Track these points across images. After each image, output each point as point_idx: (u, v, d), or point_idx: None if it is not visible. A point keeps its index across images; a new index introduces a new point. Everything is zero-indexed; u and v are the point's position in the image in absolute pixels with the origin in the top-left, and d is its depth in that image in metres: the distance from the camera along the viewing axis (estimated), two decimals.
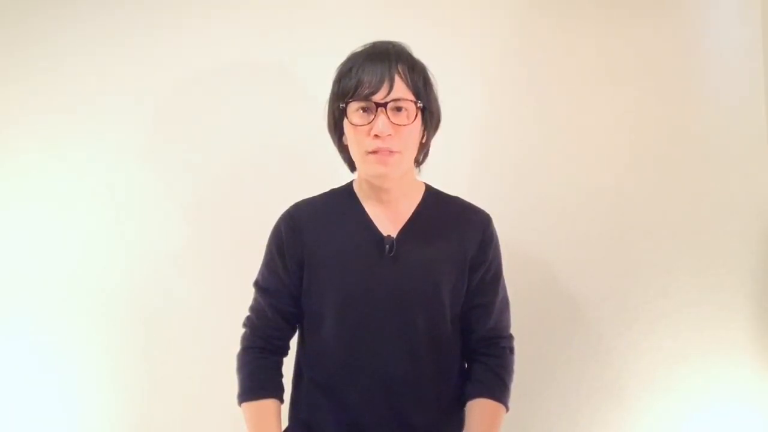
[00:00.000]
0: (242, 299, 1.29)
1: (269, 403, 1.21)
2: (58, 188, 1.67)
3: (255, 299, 1.28)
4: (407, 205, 1.25)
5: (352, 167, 1.28)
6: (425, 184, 1.32)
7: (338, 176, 1.33)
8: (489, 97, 1.75)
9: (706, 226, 1.77)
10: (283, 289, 1.24)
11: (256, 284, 1.27)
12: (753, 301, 1.76)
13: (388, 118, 1.13)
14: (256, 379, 1.23)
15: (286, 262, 1.23)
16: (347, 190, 1.29)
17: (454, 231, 1.25)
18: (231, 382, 1.27)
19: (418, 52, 1.26)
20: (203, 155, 1.70)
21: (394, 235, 1.21)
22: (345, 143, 1.23)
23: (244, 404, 1.21)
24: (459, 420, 1.24)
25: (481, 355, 1.27)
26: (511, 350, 1.31)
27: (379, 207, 1.24)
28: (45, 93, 1.67)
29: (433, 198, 1.29)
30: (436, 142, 1.30)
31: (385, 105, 1.13)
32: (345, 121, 1.18)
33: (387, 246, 1.20)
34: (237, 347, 1.28)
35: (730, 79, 1.80)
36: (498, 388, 1.25)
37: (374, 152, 1.15)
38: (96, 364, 1.66)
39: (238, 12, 1.71)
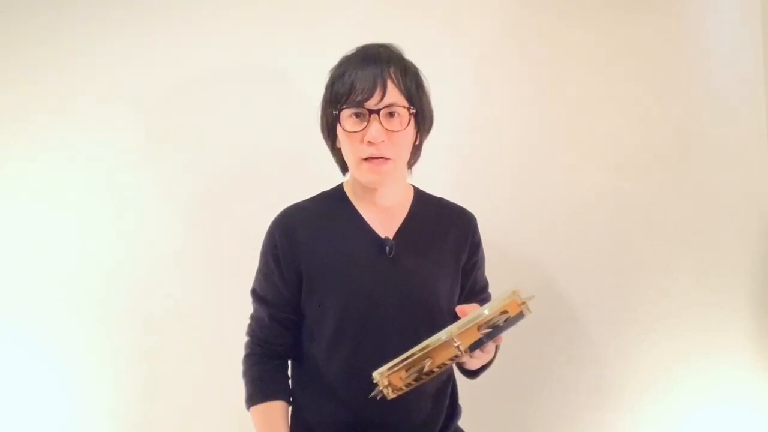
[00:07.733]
0: (241, 299, 1.28)
1: (276, 405, 1.20)
2: (57, 189, 1.67)
3: (254, 308, 1.26)
4: (400, 207, 1.25)
5: (344, 169, 1.27)
6: (412, 185, 1.31)
7: (339, 177, 1.32)
8: (487, 97, 1.75)
9: (706, 226, 1.77)
10: (281, 298, 1.22)
11: (254, 293, 1.25)
12: (753, 301, 1.76)
13: (381, 124, 1.12)
14: (260, 383, 1.22)
15: (283, 271, 1.21)
16: (338, 193, 1.26)
17: (447, 234, 1.25)
18: (231, 382, 1.27)
19: (415, 53, 1.23)
20: (202, 156, 1.69)
21: (390, 237, 1.21)
22: (338, 146, 1.22)
23: (252, 408, 1.21)
24: (455, 413, 1.28)
25: None
26: None
27: (373, 209, 1.22)
28: (44, 94, 1.66)
29: (421, 199, 1.29)
30: (434, 144, 1.29)
31: (378, 111, 1.11)
32: (338, 126, 1.16)
33: (387, 248, 1.19)
34: (236, 347, 1.27)
35: (730, 79, 1.80)
36: None
37: (368, 159, 1.14)
38: (96, 364, 1.65)
39: (234, 13, 1.70)
